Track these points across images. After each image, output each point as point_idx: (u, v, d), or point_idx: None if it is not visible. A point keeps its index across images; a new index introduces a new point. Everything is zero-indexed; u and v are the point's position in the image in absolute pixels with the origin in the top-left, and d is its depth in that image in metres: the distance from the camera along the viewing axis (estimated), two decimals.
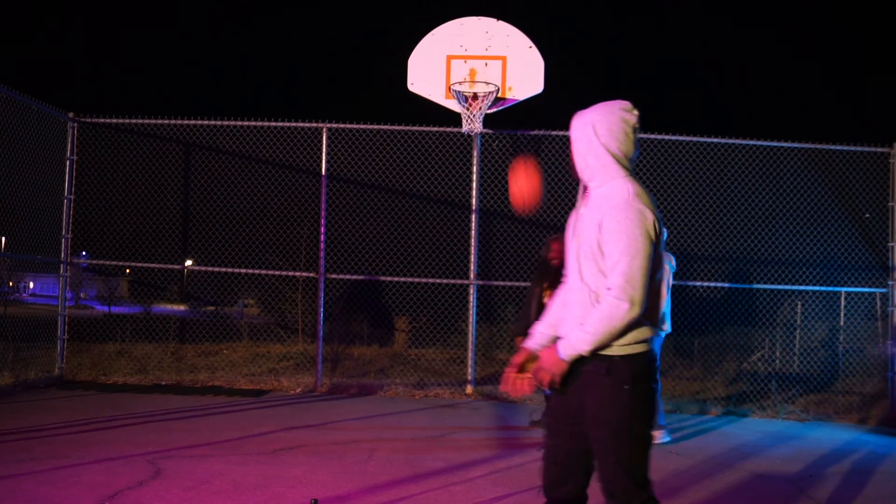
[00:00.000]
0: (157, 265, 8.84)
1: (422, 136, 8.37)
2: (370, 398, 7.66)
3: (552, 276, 5.24)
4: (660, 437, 5.68)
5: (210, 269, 8.93)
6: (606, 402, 2.36)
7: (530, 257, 8.50)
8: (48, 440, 5.06)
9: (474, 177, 8.09)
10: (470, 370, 8.11)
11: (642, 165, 8.08)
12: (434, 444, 5.55)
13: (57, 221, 8.10)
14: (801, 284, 8.38)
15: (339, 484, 4.26)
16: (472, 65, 7.83)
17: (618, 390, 2.36)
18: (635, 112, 2.50)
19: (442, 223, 8.85)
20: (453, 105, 7.89)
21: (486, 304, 9.47)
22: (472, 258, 8.08)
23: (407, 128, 8.25)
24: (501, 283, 8.51)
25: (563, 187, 8.06)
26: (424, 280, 8.46)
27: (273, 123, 8.29)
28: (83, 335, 10.00)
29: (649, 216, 2.36)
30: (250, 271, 8.69)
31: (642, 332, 2.40)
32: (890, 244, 7.95)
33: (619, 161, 2.46)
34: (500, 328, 10.83)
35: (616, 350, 2.38)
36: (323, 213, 8.14)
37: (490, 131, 8.11)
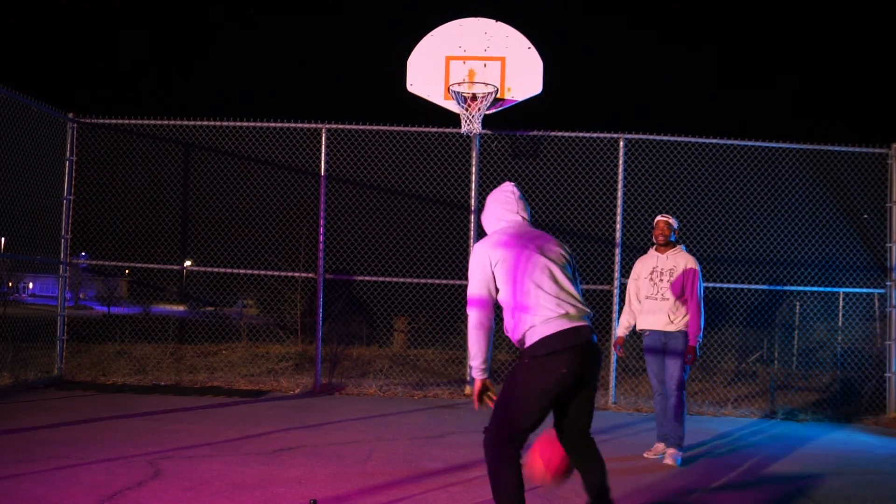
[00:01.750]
0: (156, 265, 8.85)
1: (421, 136, 8.37)
2: (369, 398, 7.67)
3: None
4: (672, 456, 5.22)
5: (209, 269, 8.93)
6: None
7: None
8: (47, 440, 5.06)
9: (473, 177, 8.10)
10: (469, 370, 8.12)
11: (640, 166, 8.08)
12: (433, 444, 5.55)
13: (56, 222, 8.10)
14: (799, 285, 8.39)
15: (338, 484, 4.26)
16: (471, 65, 7.84)
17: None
18: (509, 186, 3.42)
19: (441, 224, 8.85)
20: (452, 106, 7.89)
21: None
22: None
23: (406, 128, 8.25)
24: None
25: (563, 188, 8.07)
26: (423, 280, 8.46)
27: (272, 124, 8.29)
28: (82, 335, 10.01)
29: (479, 249, 3.19)
30: (249, 272, 8.69)
31: (523, 325, 3.14)
32: (888, 245, 7.96)
33: (499, 221, 3.35)
34: (498, 328, 10.82)
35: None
36: (322, 214, 8.15)
37: (489, 132, 8.11)
